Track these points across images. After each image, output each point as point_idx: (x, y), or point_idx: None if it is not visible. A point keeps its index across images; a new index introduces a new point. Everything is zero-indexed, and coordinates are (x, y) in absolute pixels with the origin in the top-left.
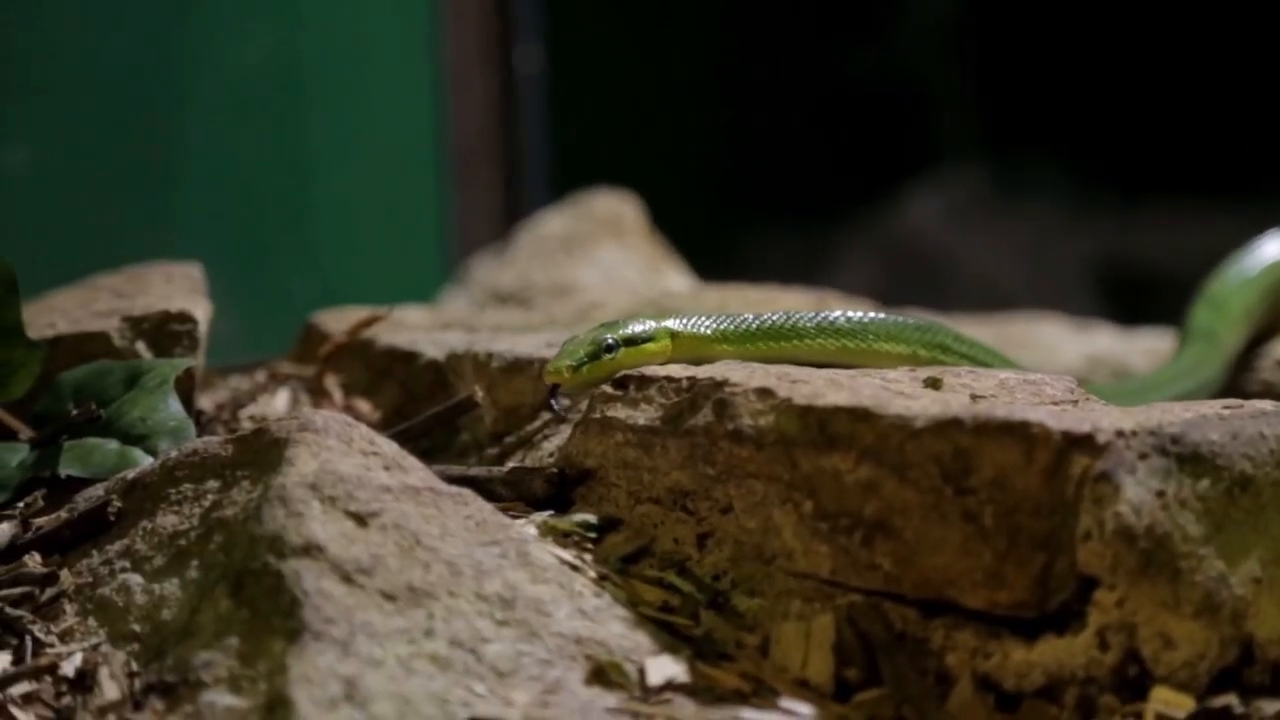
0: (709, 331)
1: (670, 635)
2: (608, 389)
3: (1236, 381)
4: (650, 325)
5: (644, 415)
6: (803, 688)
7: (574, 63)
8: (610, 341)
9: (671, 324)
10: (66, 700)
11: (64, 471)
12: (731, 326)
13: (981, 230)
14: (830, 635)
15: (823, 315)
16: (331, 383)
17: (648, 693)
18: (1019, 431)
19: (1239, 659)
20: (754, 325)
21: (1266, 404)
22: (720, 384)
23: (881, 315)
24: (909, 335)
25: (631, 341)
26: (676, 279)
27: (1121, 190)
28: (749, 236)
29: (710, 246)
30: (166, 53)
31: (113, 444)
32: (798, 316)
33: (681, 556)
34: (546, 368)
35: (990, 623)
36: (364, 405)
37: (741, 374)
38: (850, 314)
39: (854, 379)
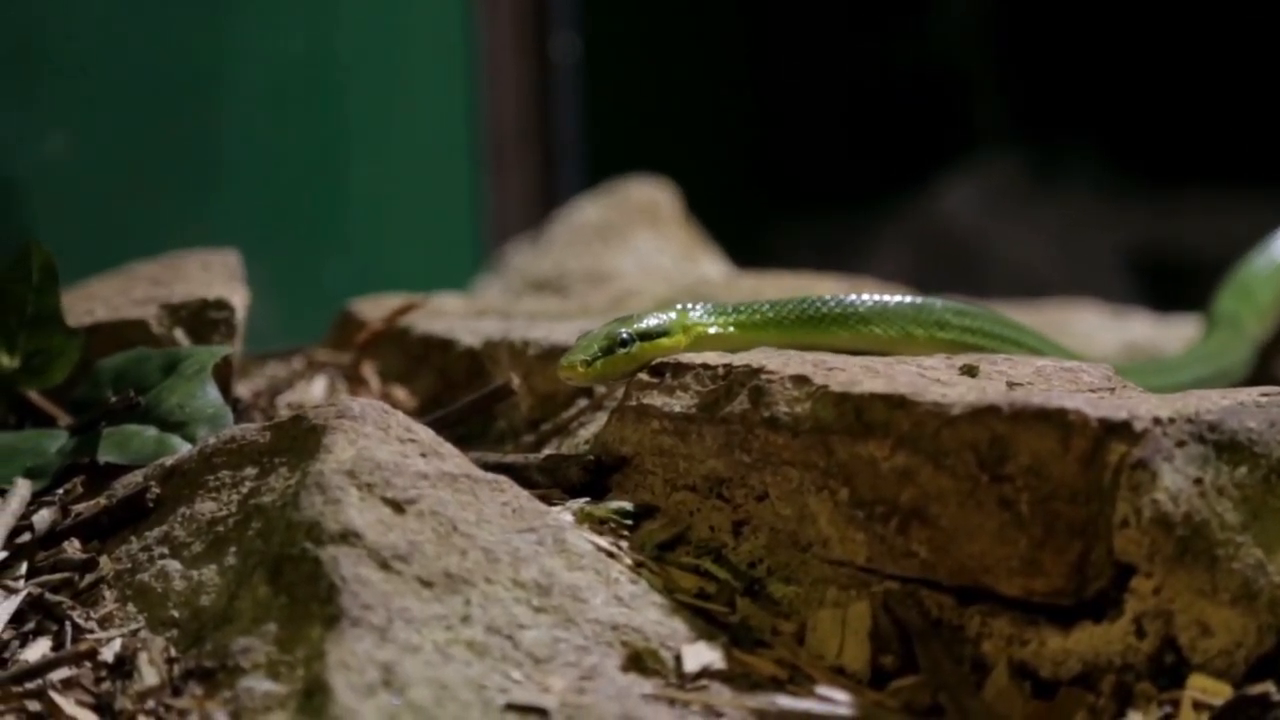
0: (722, 322)
1: (706, 622)
2: (644, 376)
3: (1272, 369)
4: (665, 318)
5: (680, 403)
6: (839, 675)
7: (609, 52)
8: (625, 336)
9: (687, 316)
10: (106, 685)
11: (103, 458)
12: (745, 316)
13: (1016, 217)
14: (866, 622)
15: (833, 300)
16: (368, 370)
17: (684, 679)
18: (1056, 419)
19: (1276, 646)
20: (768, 314)
21: None
22: (756, 371)
23: (874, 296)
24: (903, 315)
25: (647, 336)
26: (712, 266)
27: (1156, 177)
28: (784, 223)
29: (745, 234)
30: (205, 42)
31: (151, 431)
32: (813, 303)
33: (717, 543)
34: (560, 363)
35: (1026, 610)
36: (401, 392)
37: (777, 361)
38: (862, 297)
39: (890, 366)
